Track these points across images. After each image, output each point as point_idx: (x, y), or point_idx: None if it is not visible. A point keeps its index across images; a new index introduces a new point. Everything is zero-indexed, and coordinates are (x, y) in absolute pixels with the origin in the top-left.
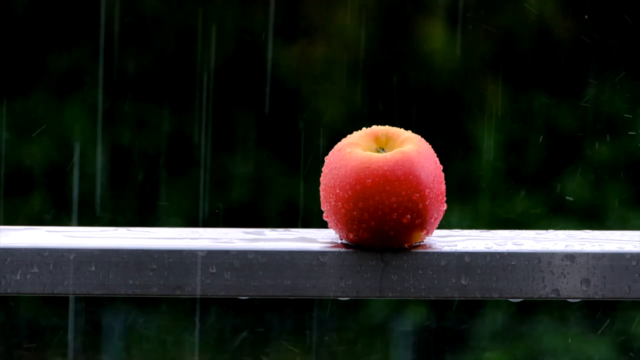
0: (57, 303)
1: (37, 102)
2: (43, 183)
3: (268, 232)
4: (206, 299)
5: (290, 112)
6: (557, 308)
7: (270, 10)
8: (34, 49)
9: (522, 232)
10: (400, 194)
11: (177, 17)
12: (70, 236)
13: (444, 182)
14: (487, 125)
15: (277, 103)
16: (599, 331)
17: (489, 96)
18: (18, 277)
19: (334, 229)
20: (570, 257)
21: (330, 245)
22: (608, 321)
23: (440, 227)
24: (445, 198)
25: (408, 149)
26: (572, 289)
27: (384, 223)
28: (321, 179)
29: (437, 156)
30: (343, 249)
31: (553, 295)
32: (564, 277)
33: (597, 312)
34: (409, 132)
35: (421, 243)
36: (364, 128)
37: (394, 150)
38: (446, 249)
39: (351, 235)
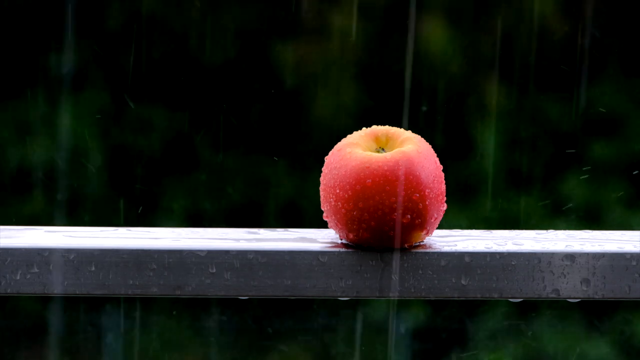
0: (57, 303)
1: (36, 102)
2: (43, 183)
3: (268, 232)
4: (206, 299)
5: (290, 111)
6: (557, 308)
7: (271, 10)
8: (33, 49)
9: (522, 232)
10: (400, 194)
11: (178, 16)
12: (70, 236)
13: (444, 182)
14: (487, 125)
15: (277, 103)
16: (599, 331)
17: (489, 96)
18: (18, 277)
19: (334, 229)
20: (570, 257)
21: (330, 245)
22: (608, 321)
23: (440, 227)
24: (445, 198)
25: (408, 149)
26: (572, 289)
27: (384, 223)
28: (321, 179)
29: (437, 156)
30: (343, 249)
31: (553, 295)
32: (564, 277)
33: (597, 312)
34: (409, 132)
35: (421, 243)
36: (364, 128)
37: (394, 150)
38: (446, 249)
39: (351, 235)
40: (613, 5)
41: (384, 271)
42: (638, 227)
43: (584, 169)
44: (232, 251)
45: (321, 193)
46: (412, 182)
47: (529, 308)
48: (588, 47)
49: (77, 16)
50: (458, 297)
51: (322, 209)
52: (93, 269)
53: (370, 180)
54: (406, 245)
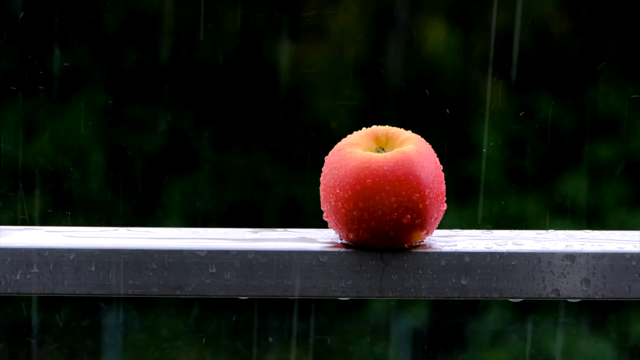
0: (57, 303)
1: (36, 102)
2: (43, 183)
3: (268, 232)
4: (206, 299)
5: (290, 111)
6: (557, 308)
7: (271, 10)
8: (33, 48)
9: (522, 232)
10: (400, 194)
11: (177, 16)
12: (70, 236)
13: (444, 182)
14: (487, 125)
15: (277, 102)
16: (599, 331)
17: (489, 96)
18: (18, 277)
19: (334, 229)
20: (570, 257)
21: (330, 245)
22: (608, 321)
23: (440, 227)
24: (445, 198)
25: (408, 149)
26: (572, 289)
27: (384, 223)
28: (321, 179)
29: (437, 156)
30: (343, 249)
31: (553, 295)
32: (564, 277)
33: (597, 312)
34: (409, 132)
35: (421, 243)
36: (364, 128)
37: (394, 150)
38: (446, 249)
39: (351, 235)
40: (613, 5)
41: (384, 271)
42: (638, 227)
43: (584, 169)
44: (232, 251)
45: (321, 193)
46: (412, 182)
47: (529, 308)
48: (588, 47)
49: (77, 16)
50: (458, 297)
51: (322, 209)
52: (93, 269)
53: (370, 180)
54: (406, 245)
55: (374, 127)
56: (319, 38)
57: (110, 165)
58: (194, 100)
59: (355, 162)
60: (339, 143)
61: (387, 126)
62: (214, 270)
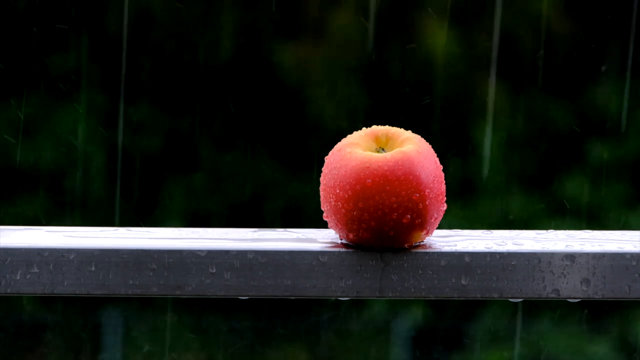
0: (57, 303)
1: (36, 102)
2: (43, 183)
3: (268, 232)
4: (206, 299)
5: (291, 111)
6: (557, 308)
7: (271, 9)
8: (33, 48)
9: (522, 232)
10: (400, 194)
11: (178, 16)
12: (70, 236)
13: (444, 182)
14: (487, 125)
15: (277, 103)
16: (599, 331)
17: (489, 96)
18: (18, 277)
19: (334, 229)
20: (570, 257)
21: (330, 245)
22: (608, 321)
23: (440, 227)
24: (445, 198)
25: (408, 149)
26: (572, 289)
27: (384, 223)
28: (321, 179)
29: (437, 156)
30: (343, 249)
31: (553, 295)
32: (564, 277)
33: (597, 312)
34: (409, 132)
35: (421, 243)
36: (364, 128)
37: (394, 150)
38: (446, 249)
39: (351, 235)
40: (614, 5)
41: (384, 271)
42: (638, 227)
43: (584, 169)
44: (232, 251)
45: (321, 193)
46: (412, 182)
47: (529, 308)
48: (589, 47)
49: (77, 16)
50: (458, 297)
51: (322, 209)
52: (93, 269)
53: (370, 180)
54: (406, 245)
55: (374, 127)
56: (319, 38)
57: (110, 165)
58: (195, 100)
59: (355, 162)
60: (339, 143)
61: (387, 126)
62: (214, 270)
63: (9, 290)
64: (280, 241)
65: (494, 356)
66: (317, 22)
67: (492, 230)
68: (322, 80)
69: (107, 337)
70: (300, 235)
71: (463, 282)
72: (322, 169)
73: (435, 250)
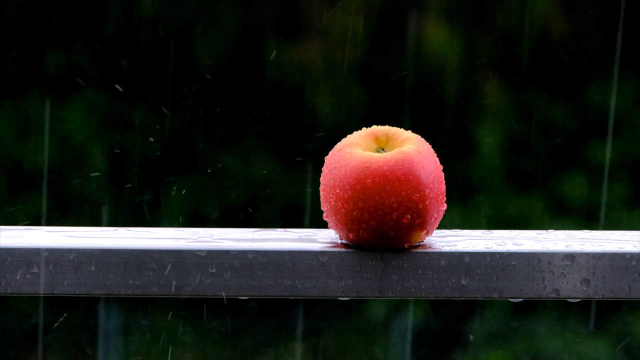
0: (56, 303)
1: (36, 102)
2: (43, 183)
3: (268, 232)
4: (206, 299)
5: (290, 111)
6: (557, 308)
7: (271, 9)
8: (33, 48)
9: (522, 232)
10: (400, 194)
11: (177, 16)
12: (70, 236)
13: (444, 182)
14: (487, 125)
15: (277, 103)
16: (599, 331)
17: (489, 96)
18: (18, 277)
19: (334, 229)
20: (570, 257)
21: (330, 245)
22: (608, 321)
23: (440, 227)
24: (445, 198)
25: (408, 149)
26: (572, 289)
27: (384, 223)
28: (321, 179)
29: (437, 156)
30: (343, 249)
31: (553, 295)
32: (564, 277)
33: (597, 312)
34: (409, 132)
35: (421, 243)
36: (364, 128)
37: (394, 150)
38: (446, 249)
39: (351, 235)
40: (613, 5)
41: (384, 271)
42: (638, 227)
43: (584, 168)
44: (232, 251)
45: (321, 193)
46: (412, 182)
47: (529, 308)
48: (588, 46)
49: (77, 16)
50: (458, 297)
51: (322, 209)
52: (93, 269)
53: (370, 180)
54: (406, 245)
55: (374, 127)
56: (319, 38)
57: (110, 165)
58: (195, 100)
59: (355, 162)
60: (339, 143)
61: (387, 126)
62: (214, 270)
63: (9, 290)
64: (280, 241)
65: (494, 356)
66: (318, 22)
67: (492, 230)
68: (321, 80)
69: (107, 337)
70: (300, 235)
71: (463, 282)
72: (322, 169)
73: (435, 250)
